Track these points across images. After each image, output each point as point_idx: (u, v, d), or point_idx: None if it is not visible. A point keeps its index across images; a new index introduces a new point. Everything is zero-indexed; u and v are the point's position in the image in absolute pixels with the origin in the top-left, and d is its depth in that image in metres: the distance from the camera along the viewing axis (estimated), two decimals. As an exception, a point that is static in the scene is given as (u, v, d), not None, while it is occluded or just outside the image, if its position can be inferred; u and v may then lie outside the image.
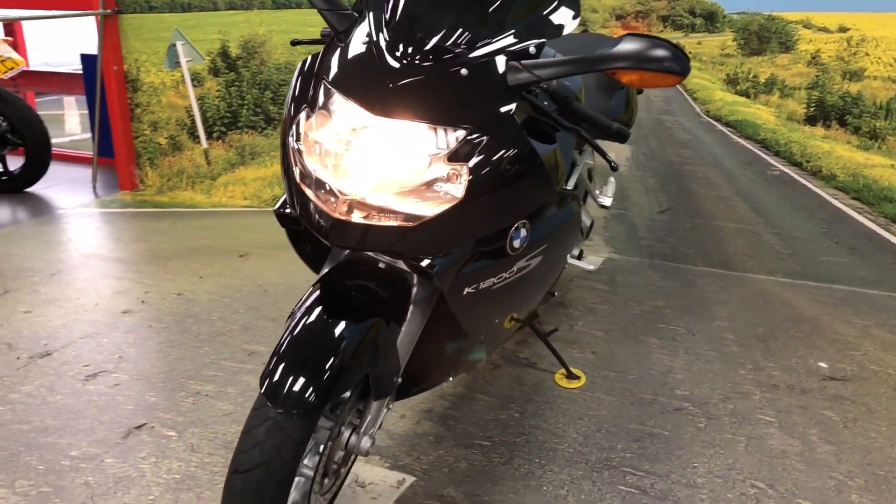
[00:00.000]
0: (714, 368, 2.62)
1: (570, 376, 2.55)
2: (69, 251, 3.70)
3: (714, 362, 2.66)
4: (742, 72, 3.39)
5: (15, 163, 4.72)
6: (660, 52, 1.48)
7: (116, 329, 2.85)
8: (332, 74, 1.51)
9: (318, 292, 1.57)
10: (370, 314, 1.54)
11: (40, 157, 4.64)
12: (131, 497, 1.93)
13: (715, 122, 3.47)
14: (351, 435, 1.66)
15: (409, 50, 1.47)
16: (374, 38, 1.52)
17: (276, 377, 1.43)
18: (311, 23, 3.98)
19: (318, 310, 1.53)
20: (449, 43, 1.49)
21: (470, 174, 1.43)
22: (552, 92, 1.57)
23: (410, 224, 1.42)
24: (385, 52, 1.49)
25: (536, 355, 2.68)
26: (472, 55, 1.49)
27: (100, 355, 2.66)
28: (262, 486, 1.42)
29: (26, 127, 4.54)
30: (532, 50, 1.57)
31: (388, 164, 1.41)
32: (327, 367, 1.45)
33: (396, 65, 1.46)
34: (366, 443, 1.67)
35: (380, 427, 1.73)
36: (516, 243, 1.62)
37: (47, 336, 2.79)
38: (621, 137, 1.67)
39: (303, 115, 1.51)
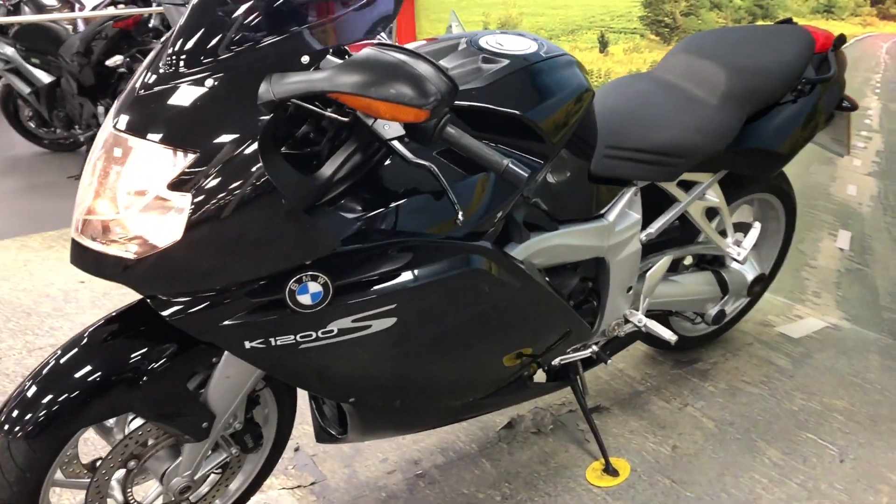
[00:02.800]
0: (822, 521, 1.81)
1: (608, 471, 1.99)
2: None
3: (833, 511, 1.84)
4: None
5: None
6: (396, 80, 1.08)
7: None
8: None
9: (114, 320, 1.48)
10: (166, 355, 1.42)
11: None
12: None
13: None
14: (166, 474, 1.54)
15: (175, 55, 1.26)
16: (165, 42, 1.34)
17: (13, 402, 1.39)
18: (557, 4, 3.63)
19: (92, 339, 1.44)
20: (218, 46, 1.24)
21: (195, 207, 1.19)
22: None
23: (131, 256, 1.23)
24: (160, 57, 1.30)
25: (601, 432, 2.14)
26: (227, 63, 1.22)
27: None
28: None
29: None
30: (305, 59, 1.22)
31: (113, 183, 1.24)
32: (60, 398, 1.36)
33: (156, 73, 1.27)
34: (176, 483, 1.54)
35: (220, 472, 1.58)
36: (303, 298, 1.30)
37: None
38: (514, 179, 1.23)
39: None
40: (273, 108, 1.19)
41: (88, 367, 1.38)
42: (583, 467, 2.01)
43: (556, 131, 1.56)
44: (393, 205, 1.38)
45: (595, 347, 2.02)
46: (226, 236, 1.22)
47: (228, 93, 1.21)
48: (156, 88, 1.24)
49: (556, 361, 1.97)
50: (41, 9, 5.03)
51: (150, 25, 4.62)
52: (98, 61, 4.48)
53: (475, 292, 1.49)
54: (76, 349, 1.41)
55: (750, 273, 2.32)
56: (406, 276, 1.40)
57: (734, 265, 2.33)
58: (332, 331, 1.37)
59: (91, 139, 4.80)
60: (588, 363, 2.09)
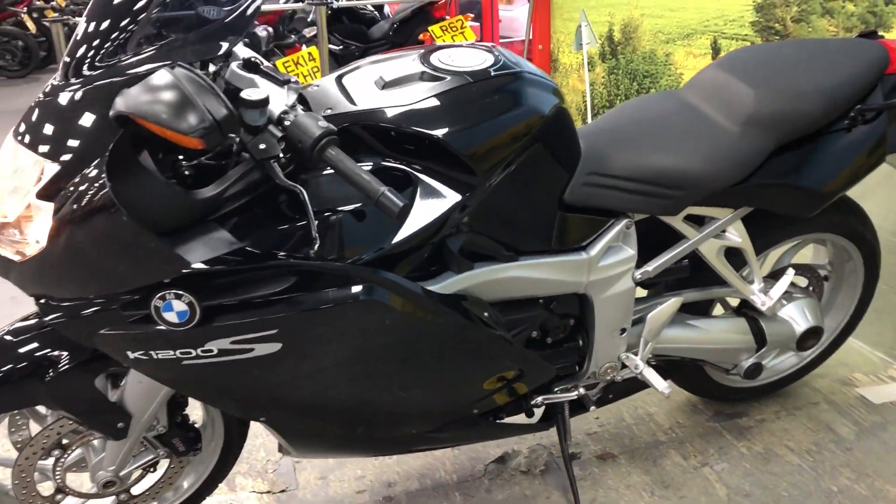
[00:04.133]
0: None
1: (580, 527, 1.81)
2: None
3: None
4: None
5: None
6: (170, 105, 1.05)
7: None
8: None
9: None
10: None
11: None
12: None
13: None
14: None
15: (65, 66, 1.30)
16: None
17: None
18: (675, 6, 3.35)
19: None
20: (93, 59, 1.26)
21: (57, 218, 1.23)
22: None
23: (16, 258, 1.30)
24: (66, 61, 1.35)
25: (592, 478, 1.96)
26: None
27: None
28: None
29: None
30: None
31: (2, 186, 1.31)
32: None
33: (52, 82, 1.32)
34: (100, 477, 1.61)
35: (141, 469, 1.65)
36: (169, 316, 1.30)
37: None
38: (387, 210, 1.18)
39: None
40: (123, 122, 1.18)
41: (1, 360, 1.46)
42: (559, 515, 1.86)
43: (486, 160, 1.43)
44: (275, 227, 1.33)
45: (582, 390, 1.84)
46: (78, 249, 1.23)
47: (91, 107, 1.22)
48: (45, 98, 1.28)
49: (539, 400, 1.82)
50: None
51: (296, 18, 4.83)
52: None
53: (373, 323, 1.41)
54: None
55: (799, 324, 2.00)
56: (289, 301, 1.34)
57: (781, 313, 2.02)
58: (211, 350, 1.35)
59: None
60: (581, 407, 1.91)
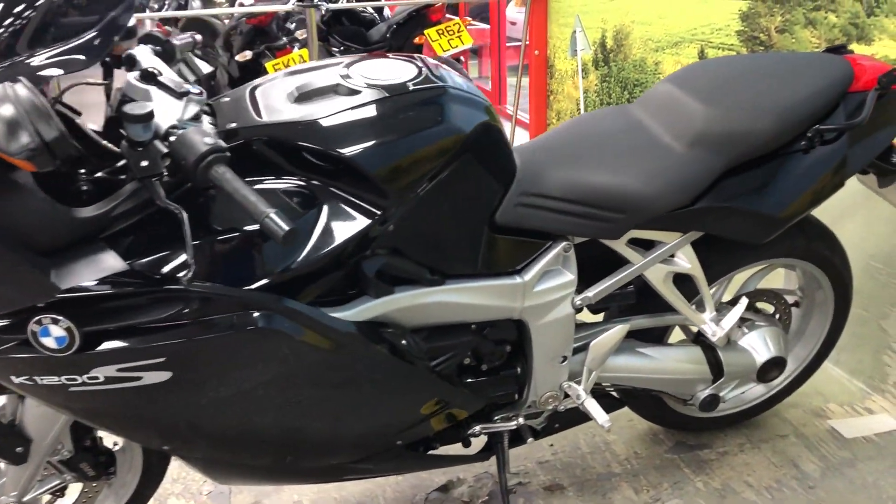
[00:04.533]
0: None
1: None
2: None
3: None
4: None
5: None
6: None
7: None
8: None
9: None
10: None
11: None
12: None
13: None
14: None
15: None
16: None
17: None
18: (663, 13, 3.23)
19: None
20: None
21: None
22: None
23: None
24: None
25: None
26: None
27: None
28: None
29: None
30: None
31: None
32: None
33: None
34: (2, 502, 1.54)
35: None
36: (47, 341, 1.23)
37: None
38: (272, 233, 1.10)
39: None
40: None
41: None
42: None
43: (398, 180, 1.34)
44: (162, 249, 1.25)
45: (522, 420, 1.75)
46: None
47: None
48: None
49: (477, 430, 1.73)
50: (207, 3, 5.40)
51: (290, 22, 4.78)
52: (237, 55, 4.72)
53: (272, 353, 1.32)
54: None
55: (760, 355, 1.89)
56: (178, 329, 1.27)
57: (742, 342, 1.91)
58: (97, 377, 1.28)
59: None
60: (524, 436, 1.82)
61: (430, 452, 1.72)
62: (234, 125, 1.34)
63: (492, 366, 1.68)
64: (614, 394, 1.92)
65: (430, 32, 4.60)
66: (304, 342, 1.32)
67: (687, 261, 1.69)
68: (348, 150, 1.30)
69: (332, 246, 1.32)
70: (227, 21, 5.17)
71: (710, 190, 1.59)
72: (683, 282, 1.73)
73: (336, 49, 5.24)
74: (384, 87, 1.38)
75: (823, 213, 2.38)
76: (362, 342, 1.38)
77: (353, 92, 1.37)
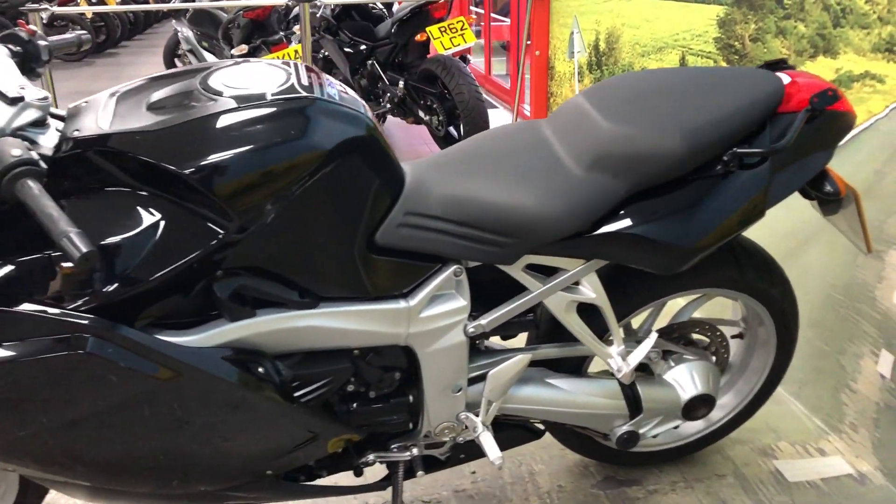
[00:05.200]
0: None
1: None
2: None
3: None
4: None
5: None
6: None
7: None
8: None
9: None
10: None
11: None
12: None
13: None
14: None
15: None
16: None
17: None
18: (650, 16, 3.07)
19: None
20: None
21: None
22: None
23: None
24: None
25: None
26: None
27: None
28: None
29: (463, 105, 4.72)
30: None
31: None
32: None
33: None
34: None
35: None
36: None
37: None
38: (68, 254, 1.04)
39: None
40: None
41: None
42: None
43: (242, 199, 1.25)
44: None
45: (416, 451, 1.65)
46: None
47: None
48: None
49: (371, 458, 1.64)
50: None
51: (291, 17, 4.72)
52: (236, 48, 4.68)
53: (97, 380, 1.24)
54: None
55: (685, 391, 1.76)
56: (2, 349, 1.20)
57: (667, 376, 1.78)
58: None
59: None
60: (419, 466, 1.72)
61: (315, 482, 1.63)
62: (76, 133, 1.26)
63: (381, 393, 1.58)
64: (539, 424, 1.81)
65: (433, 30, 4.51)
66: (131, 369, 1.24)
67: (591, 290, 1.57)
68: (183, 166, 1.22)
69: (168, 266, 1.24)
70: (230, 13, 5.14)
71: (614, 215, 1.47)
72: (595, 311, 1.61)
73: (345, 45, 5.19)
74: (239, 96, 1.29)
75: (786, 237, 2.23)
76: (201, 370, 1.29)
77: (207, 101, 1.29)
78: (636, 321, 1.87)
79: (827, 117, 1.52)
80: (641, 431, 1.78)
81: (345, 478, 1.82)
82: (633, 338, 1.77)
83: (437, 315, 1.49)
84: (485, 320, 1.54)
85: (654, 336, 1.65)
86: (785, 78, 1.56)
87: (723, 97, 1.48)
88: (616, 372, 1.62)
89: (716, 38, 2.56)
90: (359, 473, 1.68)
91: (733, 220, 1.49)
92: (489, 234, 1.44)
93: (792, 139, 1.47)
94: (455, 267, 1.48)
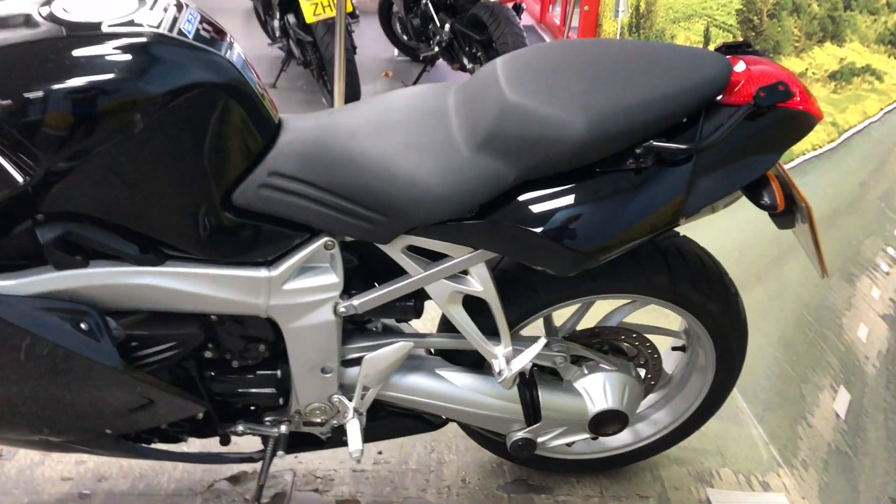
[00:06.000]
0: None
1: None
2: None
3: None
4: None
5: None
6: None
7: None
8: None
9: None
10: None
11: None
12: None
13: None
14: None
15: None
16: None
17: None
18: (688, -21, 2.77)
19: None
20: None
21: None
22: None
23: None
24: None
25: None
26: None
27: None
28: None
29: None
30: None
31: None
32: None
33: None
34: None
35: None
36: None
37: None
38: None
39: None
40: None
41: None
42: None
43: (52, 137, 1.13)
44: None
45: (283, 429, 1.54)
46: None
47: None
48: None
49: (240, 429, 1.54)
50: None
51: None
52: None
53: None
54: None
55: (594, 404, 1.58)
56: None
57: (578, 384, 1.60)
58: None
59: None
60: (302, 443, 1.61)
61: (169, 447, 1.54)
62: None
63: (244, 364, 1.47)
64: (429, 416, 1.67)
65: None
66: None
67: (479, 282, 1.39)
68: None
69: None
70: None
71: (503, 203, 1.28)
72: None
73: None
74: (72, 23, 1.16)
75: (771, 243, 1.99)
76: (4, 318, 1.19)
77: (36, 25, 1.16)
78: (559, 319, 1.68)
79: (775, 116, 1.28)
80: (541, 440, 1.62)
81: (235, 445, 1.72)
82: (555, 337, 1.60)
83: (302, 289, 1.36)
84: (357, 301, 1.39)
85: (542, 341, 1.47)
86: (738, 65, 1.32)
87: (652, 80, 1.26)
88: (497, 375, 1.45)
89: (737, 11, 2.28)
90: (224, 442, 1.59)
91: (641, 225, 1.28)
92: (360, 209, 1.28)
93: (720, 137, 1.25)
94: (326, 240, 1.34)
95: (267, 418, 1.55)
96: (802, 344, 1.85)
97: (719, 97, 1.28)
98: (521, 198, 1.28)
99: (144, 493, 1.75)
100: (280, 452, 1.53)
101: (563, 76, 1.29)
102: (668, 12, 2.93)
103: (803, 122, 1.30)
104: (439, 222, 1.29)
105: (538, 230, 1.27)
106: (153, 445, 1.54)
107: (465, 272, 1.40)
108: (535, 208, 1.28)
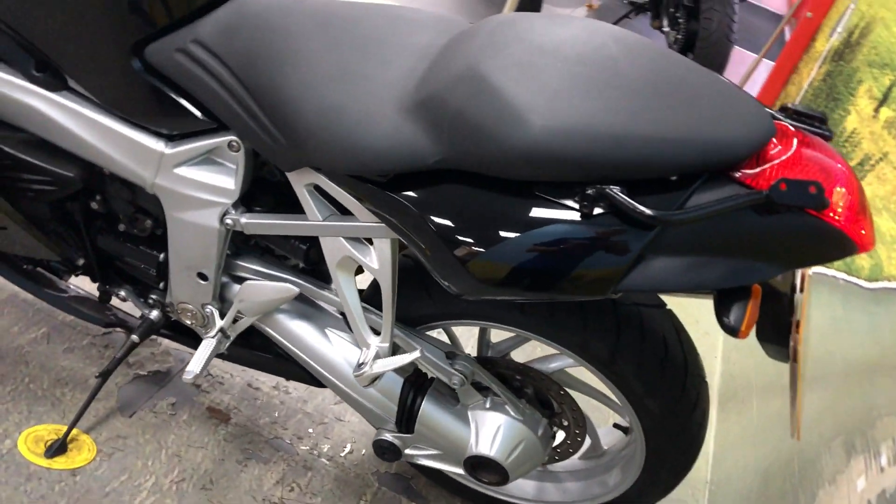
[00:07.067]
0: None
1: (60, 448, 1.46)
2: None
3: None
4: None
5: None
6: None
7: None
8: None
9: None
10: None
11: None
12: None
13: None
14: None
15: None
16: None
17: None
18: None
19: None
20: None
21: None
22: None
23: None
24: None
25: (160, 420, 1.56)
26: None
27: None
28: None
29: (706, 34, 4.04)
30: None
31: None
32: None
33: None
34: None
35: None
36: None
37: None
38: None
39: None
40: None
41: None
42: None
43: None
44: None
45: (156, 314, 1.41)
46: None
47: None
48: None
49: (122, 293, 1.44)
50: None
51: None
52: None
53: None
54: None
55: (479, 444, 1.33)
56: None
57: (472, 413, 1.36)
58: None
59: None
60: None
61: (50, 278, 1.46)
62: None
63: (130, 231, 1.34)
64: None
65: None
66: None
67: (377, 259, 1.16)
68: None
69: None
70: None
71: (422, 185, 1.03)
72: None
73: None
74: None
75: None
76: None
77: None
78: (497, 336, 1.43)
79: (796, 222, 0.93)
80: (409, 452, 1.40)
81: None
82: (463, 354, 1.34)
83: (192, 180, 1.19)
84: (245, 219, 1.21)
85: (416, 353, 1.22)
86: (784, 138, 0.97)
87: (656, 111, 0.94)
88: (357, 365, 1.23)
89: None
90: (104, 299, 1.48)
91: (562, 281, 0.99)
92: (264, 119, 1.07)
93: (698, 216, 0.93)
94: (231, 139, 1.16)
95: (151, 296, 1.43)
96: (777, 493, 1.50)
97: (737, 170, 0.95)
98: (442, 188, 1.02)
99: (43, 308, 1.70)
100: (155, 337, 1.41)
101: (559, 65, 0.98)
102: (871, 52, 2.41)
103: (833, 243, 0.94)
104: (345, 173, 1.06)
105: (443, 233, 1.02)
106: (28, 267, 1.46)
107: (371, 241, 1.17)
108: (451, 207, 1.02)
